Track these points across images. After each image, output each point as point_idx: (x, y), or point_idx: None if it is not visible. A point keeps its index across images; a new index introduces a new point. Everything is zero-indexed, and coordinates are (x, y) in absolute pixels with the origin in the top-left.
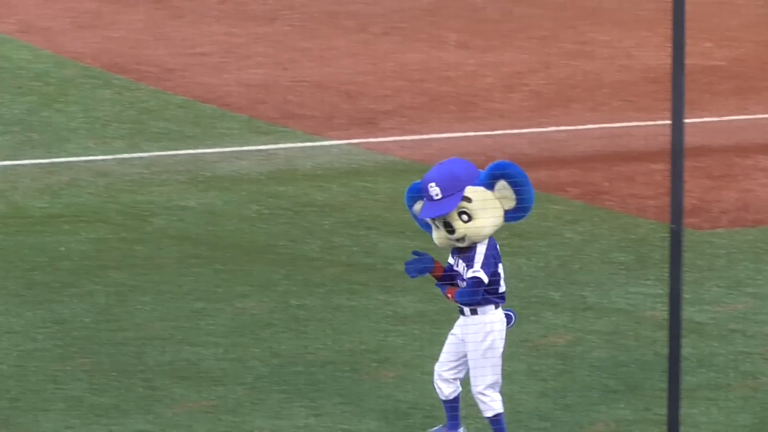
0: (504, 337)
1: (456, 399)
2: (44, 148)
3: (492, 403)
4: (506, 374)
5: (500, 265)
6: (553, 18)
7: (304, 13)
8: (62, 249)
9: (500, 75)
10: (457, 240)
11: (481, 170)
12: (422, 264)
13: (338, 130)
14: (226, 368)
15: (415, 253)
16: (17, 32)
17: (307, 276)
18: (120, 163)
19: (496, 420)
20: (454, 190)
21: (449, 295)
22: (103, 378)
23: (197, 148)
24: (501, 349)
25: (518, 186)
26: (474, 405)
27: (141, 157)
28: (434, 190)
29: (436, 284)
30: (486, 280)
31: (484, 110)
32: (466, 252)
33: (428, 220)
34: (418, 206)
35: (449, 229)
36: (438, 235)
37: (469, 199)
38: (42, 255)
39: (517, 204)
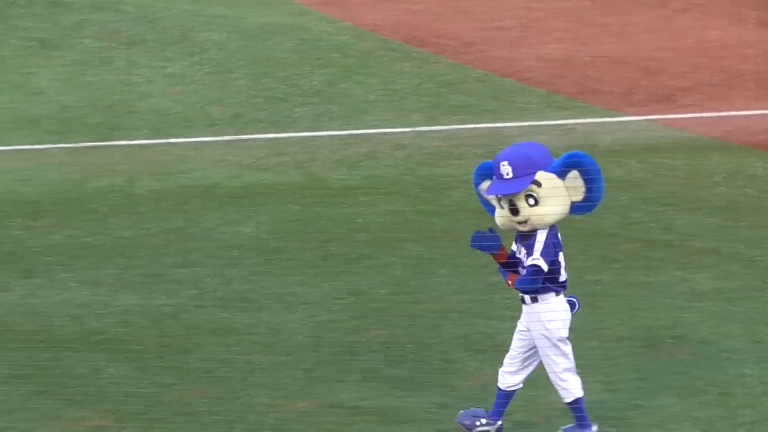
0: (568, 321)
1: (510, 394)
2: (343, 119)
3: (570, 388)
4: None
5: (561, 254)
6: None
7: None
8: (359, 221)
9: None
10: (519, 223)
11: (555, 159)
12: (489, 242)
13: (636, 106)
14: None
15: (490, 230)
16: (317, 4)
17: (604, 251)
18: (418, 136)
19: (575, 404)
20: (525, 171)
21: (510, 282)
22: (399, 350)
23: (495, 122)
24: (565, 334)
25: (590, 177)
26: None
27: (439, 131)
28: (506, 169)
29: (499, 270)
30: (545, 268)
31: None
32: (527, 239)
33: (494, 199)
34: (485, 185)
35: (513, 209)
36: (501, 215)
37: (538, 184)
38: (339, 226)
39: (585, 197)
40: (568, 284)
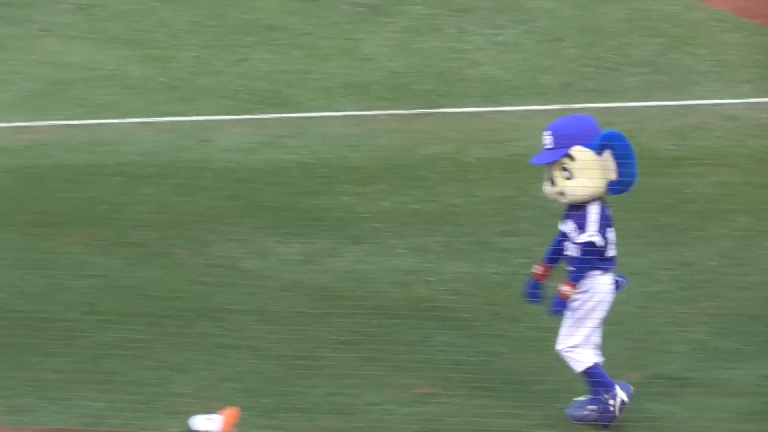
0: (609, 303)
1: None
2: (672, 90)
3: (578, 357)
4: None
5: (609, 230)
6: None
7: None
8: (688, 192)
9: None
10: (557, 194)
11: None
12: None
13: None
14: None
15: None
16: None
17: None
18: (748, 107)
19: (588, 374)
20: (563, 144)
21: (567, 289)
22: (728, 322)
23: None
24: (601, 315)
25: (621, 160)
26: None
27: None
28: (546, 139)
29: (553, 311)
30: (601, 242)
31: None
32: (577, 211)
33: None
34: None
35: (551, 179)
36: (545, 185)
37: (572, 158)
38: (668, 197)
39: (619, 178)
40: (616, 262)
